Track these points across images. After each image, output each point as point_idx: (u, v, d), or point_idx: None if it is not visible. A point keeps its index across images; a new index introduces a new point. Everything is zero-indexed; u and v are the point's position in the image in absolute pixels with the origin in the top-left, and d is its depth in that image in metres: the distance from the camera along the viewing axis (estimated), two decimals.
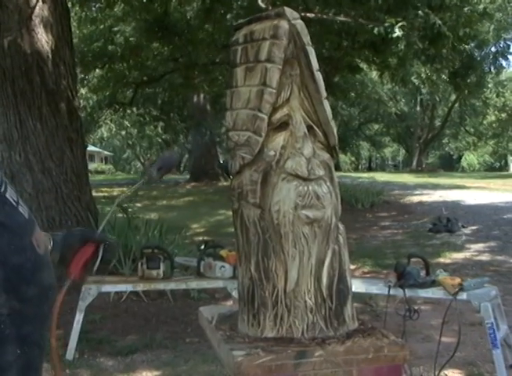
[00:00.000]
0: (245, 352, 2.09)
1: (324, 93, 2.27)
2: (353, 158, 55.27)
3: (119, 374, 4.54)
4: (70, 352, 4.70)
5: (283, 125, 2.24)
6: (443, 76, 16.51)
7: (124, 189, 10.04)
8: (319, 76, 2.26)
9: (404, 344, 2.21)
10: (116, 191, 15.98)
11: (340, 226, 2.32)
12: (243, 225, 2.27)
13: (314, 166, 2.20)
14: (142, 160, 51.28)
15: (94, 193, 7.74)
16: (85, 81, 19.15)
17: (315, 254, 2.20)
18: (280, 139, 2.24)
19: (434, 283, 4.40)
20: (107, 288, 5.10)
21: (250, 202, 2.24)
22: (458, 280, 4.29)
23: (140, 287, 5.20)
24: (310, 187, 2.18)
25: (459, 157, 50.92)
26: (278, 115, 2.23)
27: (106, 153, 53.93)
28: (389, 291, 4.36)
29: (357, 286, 4.53)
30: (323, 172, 2.23)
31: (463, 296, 4.25)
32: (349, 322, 2.28)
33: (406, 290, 4.31)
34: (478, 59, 17.62)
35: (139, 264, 5.06)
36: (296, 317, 2.20)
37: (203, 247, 5.33)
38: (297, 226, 2.17)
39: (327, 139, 2.31)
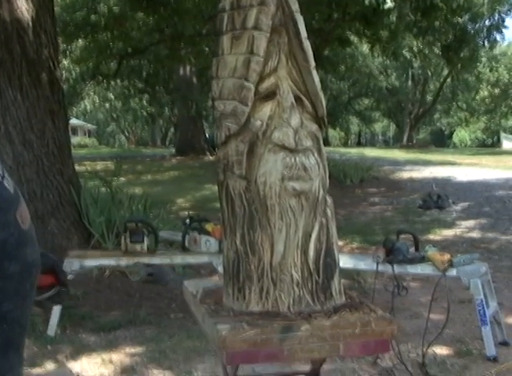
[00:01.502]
0: (230, 325, 2.05)
1: (313, 63, 2.21)
2: (342, 133, 55.21)
3: (101, 350, 4.50)
4: (52, 328, 4.65)
5: (270, 95, 2.19)
6: (435, 49, 16.41)
7: (108, 163, 10.00)
8: (307, 45, 2.20)
9: (392, 319, 2.18)
10: (99, 165, 15.88)
11: (328, 199, 2.27)
12: (229, 198, 2.23)
13: (301, 137, 2.15)
14: (127, 134, 50.96)
15: (77, 167, 7.63)
16: (68, 52, 18.87)
17: (302, 227, 2.16)
18: (267, 109, 2.18)
19: (423, 259, 4.36)
20: (89, 263, 5.02)
21: (235, 173, 2.19)
22: (447, 256, 4.26)
23: (123, 261, 5.13)
24: (297, 158, 2.13)
25: (451, 133, 50.91)
26: (265, 84, 2.18)
27: (89, 126, 53.41)
28: (377, 267, 4.33)
29: (345, 261, 4.49)
30: (311, 143, 2.18)
31: (453, 272, 4.22)
32: (336, 296, 2.25)
33: (395, 266, 4.28)
34: (472, 32, 17.44)
35: (122, 238, 4.98)
36: (282, 291, 2.16)
37: (188, 221, 5.25)
38: (284, 198, 2.13)
39: (315, 109, 2.26)
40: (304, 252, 2.17)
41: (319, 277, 2.19)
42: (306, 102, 2.23)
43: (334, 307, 2.21)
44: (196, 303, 2.39)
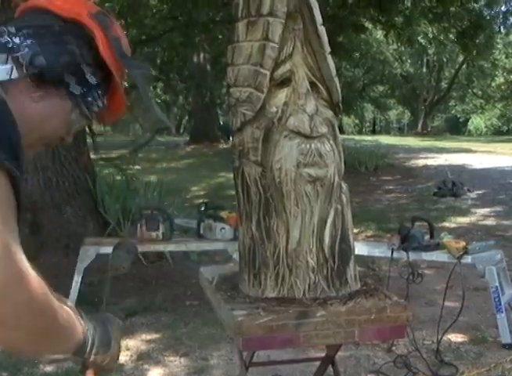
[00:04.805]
0: (246, 311, 2.06)
1: (328, 48, 2.21)
2: (357, 121, 54.90)
3: None
4: None
5: (286, 81, 2.18)
6: (450, 36, 16.17)
7: (123, 151, 10.02)
8: (322, 31, 2.20)
9: (407, 305, 2.18)
10: (114, 153, 15.89)
11: (343, 185, 2.27)
12: (244, 184, 2.23)
13: (317, 123, 2.15)
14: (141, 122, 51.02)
15: (92, 155, 7.66)
16: None
17: (317, 213, 2.16)
18: (282, 95, 2.18)
19: (438, 247, 4.35)
20: (106, 250, 5.04)
21: (251, 160, 2.20)
22: (463, 244, 4.25)
23: (139, 248, 5.16)
24: (312, 145, 2.13)
25: (466, 121, 50.38)
26: (280, 71, 2.17)
27: None
28: (392, 254, 4.32)
29: (359, 249, 4.48)
30: (326, 130, 2.18)
31: (468, 259, 4.20)
32: (351, 282, 2.25)
33: (410, 253, 4.27)
34: (488, 18, 17.21)
35: (138, 225, 4.99)
36: (297, 277, 2.17)
37: (203, 208, 5.25)
38: (300, 185, 2.13)
39: (330, 96, 2.25)
40: (320, 238, 2.18)
41: (334, 263, 2.20)
42: (321, 88, 2.22)
43: (350, 293, 2.21)
44: (212, 289, 2.40)
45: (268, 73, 2.13)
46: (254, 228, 2.21)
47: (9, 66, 1.18)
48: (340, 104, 2.30)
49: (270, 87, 2.16)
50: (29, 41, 1.20)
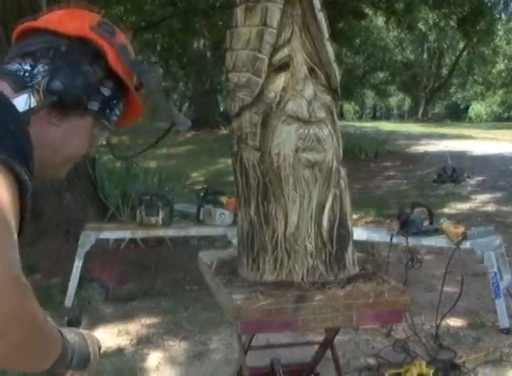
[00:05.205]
0: (244, 295, 2.08)
1: (326, 34, 2.20)
2: (357, 107, 54.81)
3: (118, 321, 4.56)
4: (69, 299, 4.72)
5: (284, 67, 2.18)
6: (451, 22, 16.10)
7: (123, 137, 9.98)
8: (321, 16, 2.19)
9: (405, 289, 2.20)
10: (114, 139, 15.92)
11: (342, 170, 2.28)
12: (243, 169, 2.24)
13: (315, 108, 2.15)
14: None
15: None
16: None
17: (315, 198, 2.17)
18: (281, 80, 2.18)
19: (437, 232, 4.37)
20: (106, 235, 5.06)
21: (249, 145, 2.20)
22: (462, 229, 4.26)
23: (139, 233, 5.17)
24: (311, 130, 2.14)
25: (467, 107, 50.25)
26: (278, 56, 2.17)
27: None
28: (391, 239, 4.34)
29: (359, 234, 4.50)
30: (324, 115, 2.18)
31: (467, 245, 4.22)
32: (350, 267, 2.27)
33: (409, 238, 4.29)
34: (489, 4, 17.14)
35: (138, 211, 5.01)
36: (296, 261, 2.18)
37: (202, 194, 5.26)
38: (298, 170, 2.14)
39: (329, 81, 2.25)
40: (318, 223, 2.19)
41: (332, 248, 2.21)
42: (320, 73, 2.22)
43: (348, 277, 2.22)
44: (211, 274, 2.42)
45: (266, 58, 2.13)
46: (253, 213, 2.22)
47: (25, 95, 1.18)
48: (339, 89, 2.30)
49: (268, 72, 2.16)
50: (40, 67, 1.21)
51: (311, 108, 2.14)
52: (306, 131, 2.13)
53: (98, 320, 4.55)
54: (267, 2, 2.14)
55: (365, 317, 2.12)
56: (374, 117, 53.72)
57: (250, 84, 2.17)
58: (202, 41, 23.54)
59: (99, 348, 1.35)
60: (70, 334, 1.24)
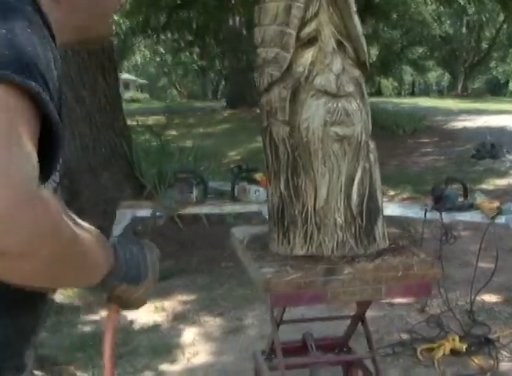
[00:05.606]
0: (274, 269, 2.10)
1: (354, 7, 2.20)
2: (395, 83, 54.21)
3: (154, 298, 4.62)
4: None
5: (312, 41, 2.18)
6: None
7: (160, 117, 10.05)
8: None
9: (434, 262, 2.20)
10: (150, 119, 15.94)
11: (371, 144, 2.28)
12: (272, 144, 2.25)
13: (343, 82, 2.15)
14: (178, 88, 50.73)
15: (129, 122, 7.72)
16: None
17: (344, 171, 2.18)
18: (309, 55, 2.18)
19: (471, 207, 4.32)
20: (141, 213, 5.13)
21: (279, 119, 2.21)
22: (496, 204, 4.20)
23: (174, 211, 5.23)
24: (339, 104, 2.14)
25: (507, 82, 49.39)
26: (306, 30, 2.17)
27: (141, 81, 53.56)
28: (425, 215, 4.30)
29: (393, 210, 4.50)
30: (353, 89, 2.18)
31: (502, 220, 4.15)
32: (380, 241, 2.27)
33: (443, 214, 4.25)
34: None
35: (173, 189, 5.06)
36: (326, 235, 2.19)
37: (237, 171, 5.28)
38: (327, 143, 2.14)
39: (357, 54, 2.24)
40: (347, 197, 2.19)
41: (362, 221, 2.22)
42: (348, 47, 2.22)
43: (378, 251, 2.23)
44: (243, 249, 2.44)
45: (294, 32, 2.14)
46: (283, 187, 2.24)
47: None
48: (368, 63, 2.29)
49: (296, 47, 2.16)
50: None
51: (340, 82, 2.14)
52: (334, 105, 2.14)
53: None
54: None
55: (393, 290, 2.13)
56: (413, 93, 53.04)
57: (279, 59, 2.18)
58: (238, 19, 23.44)
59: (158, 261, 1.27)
60: (127, 246, 1.17)
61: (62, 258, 0.90)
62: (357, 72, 2.24)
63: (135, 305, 1.24)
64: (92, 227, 1.05)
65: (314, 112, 2.13)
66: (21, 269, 0.84)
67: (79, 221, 1.00)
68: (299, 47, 2.17)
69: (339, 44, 2.19)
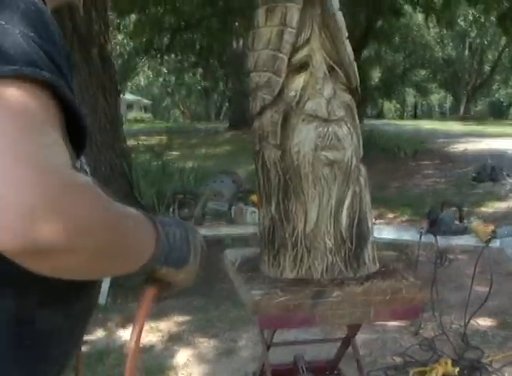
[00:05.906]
0: (264, 291, 2.12)
1: (345, 33, 2.24)
2: (398, 105, 54.42)
3: (150, 318, 4.63)
4: (103, 297, 4.79)
5: (304, 66, 2.22)
6: (492, 18, 15.79)
7: (162, 137, 10.14)
8: (340, 16, 2.23)
9: (422, 286, 2.21)
10: (154, 139, 16.02)
11: (362, 168, 2.30)
12: (264, 167, 2.28)
13: (334, 107, 2.18)
14: (181, 108, 50.91)
15: (132, 142, 7.79)
16: (122, 27, 18.99)
17: (335, 195, 2.20)
18: (300, 79, 2.22)
19: (466, 231, 4.34)
20: None
21: (270, 143, 2.24)
22: (491, 227, 4.22)
23: None
24: (330, 128, 2.17)
25: (510, 105, 49.53)
26: (298, 56, 2.21)
27: (145, 101, 53.87)
28: (420, 238, 4.32)
29: (389, 232, 4.52)
30: (344, 113, 2.21)
31: (496, 243, 4.17)
32: (369, 264, 2.29)
33: (438, 237, 4.27)
34: None
35: (171, 209, 5.11)
36: (315, 258, 2.21)
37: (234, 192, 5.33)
38: (317, 167, 2.17)
39: (349, 80, 2.28)
40: (337, 220, 2.21)
41: (351, 245, 2.23)
42: (339, 72, 2.25)
43: (367, 274, 2.25)
44: (234, 271, 2.46)
45: (285, 57, 2.17)
46: (274, 210, 2.26)
47: None
48: (359, 88, 2.32)
49: (288, 72, 2.20)
50: None
51: (331, 107, 2.17)
52: (325, 129, 2.16)
53: (130, 318, 4.61)
54: (287, 2, 2.18)
55: (381, 313, 2.14)
56: (415, 115, 53.21)
57: (271, 84, 2.21)
58: (241, 41, 23.63)
59: (202, 247, 1.24)
60: (170, 228, 1.10)
61: (113, 249, 0.85)
62: (348, 97, 2.27)
63: (174, 288, 1.22)
64: (133, 209, 0.98)
65: (305, 136, 2.16)
66: (67, 264, 0.79)
67: (119, 204, 0.92)
68: (291, 72, 2.20)
69: (330, 69, 2.22)
